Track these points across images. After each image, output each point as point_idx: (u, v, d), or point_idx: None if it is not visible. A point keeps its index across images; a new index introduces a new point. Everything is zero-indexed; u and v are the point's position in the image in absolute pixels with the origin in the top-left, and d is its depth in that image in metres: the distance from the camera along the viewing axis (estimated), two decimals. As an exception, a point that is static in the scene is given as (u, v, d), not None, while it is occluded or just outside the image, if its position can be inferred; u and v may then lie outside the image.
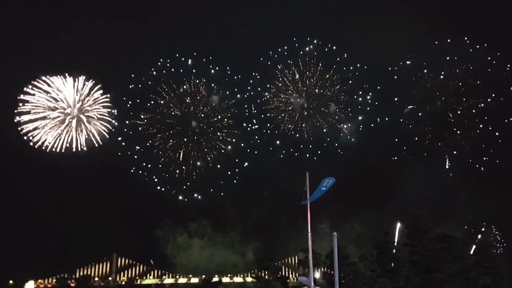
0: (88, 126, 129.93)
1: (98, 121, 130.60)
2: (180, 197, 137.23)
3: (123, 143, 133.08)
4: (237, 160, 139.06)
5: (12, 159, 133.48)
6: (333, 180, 32.71)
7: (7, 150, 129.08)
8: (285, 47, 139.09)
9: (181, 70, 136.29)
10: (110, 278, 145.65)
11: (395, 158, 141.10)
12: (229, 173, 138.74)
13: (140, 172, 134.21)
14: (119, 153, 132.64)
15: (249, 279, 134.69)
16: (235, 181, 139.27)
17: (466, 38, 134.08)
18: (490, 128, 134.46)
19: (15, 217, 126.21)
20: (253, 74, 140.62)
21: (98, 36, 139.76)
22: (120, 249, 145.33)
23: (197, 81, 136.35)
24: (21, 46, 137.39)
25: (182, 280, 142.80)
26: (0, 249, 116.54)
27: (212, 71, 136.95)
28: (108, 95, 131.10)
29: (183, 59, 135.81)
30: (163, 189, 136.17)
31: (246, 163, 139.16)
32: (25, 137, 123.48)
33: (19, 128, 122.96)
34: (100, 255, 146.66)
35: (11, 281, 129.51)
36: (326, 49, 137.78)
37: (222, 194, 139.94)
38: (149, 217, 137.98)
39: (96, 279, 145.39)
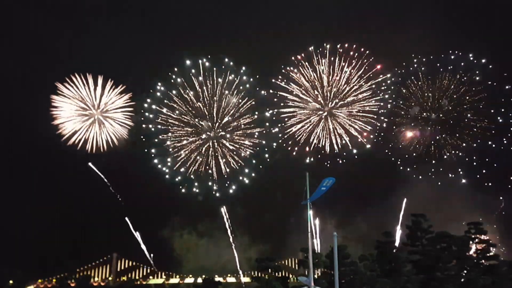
0: (108, 128, 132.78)
1: (118, 123, 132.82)
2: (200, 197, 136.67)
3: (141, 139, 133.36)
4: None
5: (14, 158, 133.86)
6: (333, 180, 32.66)
7: (7, 148, 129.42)
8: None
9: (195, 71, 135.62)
10: (110, 278, 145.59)
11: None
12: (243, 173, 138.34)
13: (149, 171, 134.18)
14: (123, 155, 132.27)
15: (245, 279, 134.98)
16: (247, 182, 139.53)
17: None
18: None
19: (15, 216, 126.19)
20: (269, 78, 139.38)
21: (115, 38, 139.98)
22: (120, 248, 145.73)
23: (210, 83, 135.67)
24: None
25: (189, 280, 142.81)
26: (0, 249, 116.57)
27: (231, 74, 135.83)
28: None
29: (199, 60, 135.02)
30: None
31: (260, 166, 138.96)
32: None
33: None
34: (100, 255, 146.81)
35: (11, 281, 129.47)
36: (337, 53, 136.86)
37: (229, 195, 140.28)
38: (155, 217, 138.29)
39: (96, 279, 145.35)
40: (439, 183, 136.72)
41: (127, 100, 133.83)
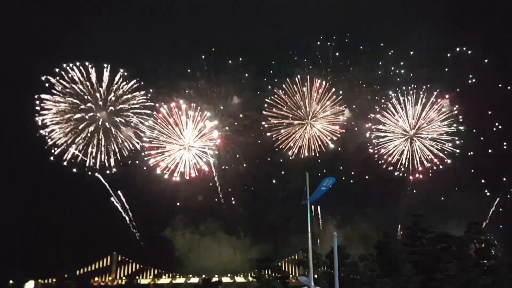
0: (117, 136, 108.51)
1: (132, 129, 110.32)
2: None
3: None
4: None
5: (14, 157, 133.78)
6: (333, 180, 32.54)
7: (8, 145, 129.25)
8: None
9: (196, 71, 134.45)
10: (110, 278, 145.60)
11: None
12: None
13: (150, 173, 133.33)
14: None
15: (241, 279, 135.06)
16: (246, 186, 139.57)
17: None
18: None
19: (15, 217, 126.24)
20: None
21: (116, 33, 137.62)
22: (120, 248, 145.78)
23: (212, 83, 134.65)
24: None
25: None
26: (0, 249, 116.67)
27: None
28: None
29: (203, 56, 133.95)
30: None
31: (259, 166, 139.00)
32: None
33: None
34: (100, 255, 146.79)
35: (11, 281, 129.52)
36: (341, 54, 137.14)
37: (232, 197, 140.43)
38: (156, 217, 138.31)
39: (96, 278, 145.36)
40: (440, 185, 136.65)
41: (142, 98, 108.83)
